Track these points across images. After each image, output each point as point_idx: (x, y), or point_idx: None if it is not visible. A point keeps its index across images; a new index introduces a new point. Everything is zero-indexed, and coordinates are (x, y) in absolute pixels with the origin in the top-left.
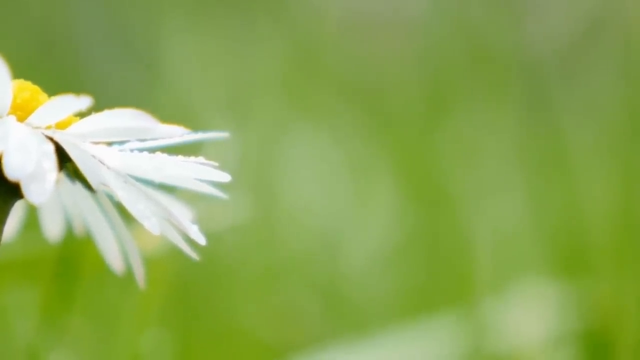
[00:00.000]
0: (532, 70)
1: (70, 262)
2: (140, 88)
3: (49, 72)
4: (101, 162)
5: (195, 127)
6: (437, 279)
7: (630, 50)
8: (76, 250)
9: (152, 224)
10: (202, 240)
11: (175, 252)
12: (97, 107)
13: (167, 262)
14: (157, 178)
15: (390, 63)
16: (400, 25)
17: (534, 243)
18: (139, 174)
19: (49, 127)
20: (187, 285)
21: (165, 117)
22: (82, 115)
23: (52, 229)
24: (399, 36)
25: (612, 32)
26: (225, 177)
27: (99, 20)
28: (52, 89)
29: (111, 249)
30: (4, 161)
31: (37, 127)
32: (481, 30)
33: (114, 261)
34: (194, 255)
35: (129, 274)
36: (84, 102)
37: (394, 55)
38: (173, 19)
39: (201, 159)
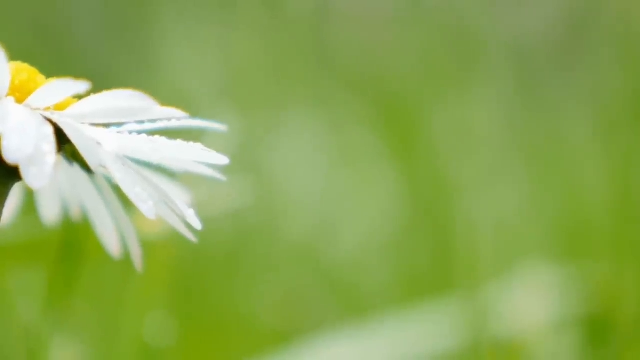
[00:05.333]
0: (529, 56)
1: (74, 244)
2: (136, 74)
3: (45, 58)
4: (99, 144)
5: (192, 113)
6: (439, 264)
7: (626, 35)
8: (80, 232)
9: (148, 207)
10: (197, 225)
11: (179, 235)
12: (93, 94)
13: (171, 245)
14: (155, 159)
15: (385, 49)
16: (395, 10)
17: (534, 227)
18: (136, 155)
19: (47, 109)
20: (190, 269)
21: (162, 103)
22: (79, 98)
23: (49, 212)
24: (394, 21)
25: (609, 17)
26: (223, 160)
27: (96, 7)
28: (48, 74)
29: (108, 232)
30: (2, 143)
31: (35, 109)
32: (478, 17)
33: (111, 244)
34: (192, 237)
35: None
36: (82, 85)
37: (389, 40)
38: (169, 5)
39: (199, 144)
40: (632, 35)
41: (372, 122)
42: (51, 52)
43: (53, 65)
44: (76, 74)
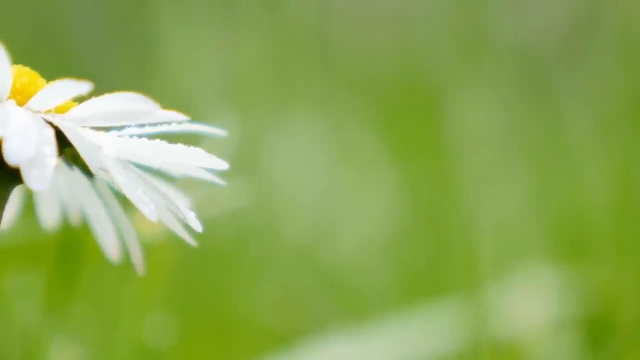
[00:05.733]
0: (532, 56)
1: (73, 247)
2: (136, 76)
3: (45, 58)
4: (100, 147)
5: (192, 115)
6: (439, 265)
7: (629, 36)
8: (79, 235)
9: (150, 210)
10: (199, 227)
11: (178, 237)
12: (94, 96)
13: (169, 247)
14: (156, 164)
15: (387, 49)
16: (398, 10)
17: (535, 229)
18: (137, 159)
19: (48, 112)
20: (189, 270)
21: (163, 106)
22: (80, 101)
23: (48, 215)
24: (396, 21)
25: (612, 18)
26: (223, 165)
27: (96, 8)
28: (48, 75)
29: (108, 235)
30: (4, 146)
31: (36, 112)
32: (481, 17)
33: (110, 248)
34: (192, 241)
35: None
36: (83, 87)
37: (390, 41)
38: (169, 7)
39: (200, 149)
40: (633, 35)
41: (373, 123)
42: (51, 52)
43: (53, 66)
44: (76, 76)
